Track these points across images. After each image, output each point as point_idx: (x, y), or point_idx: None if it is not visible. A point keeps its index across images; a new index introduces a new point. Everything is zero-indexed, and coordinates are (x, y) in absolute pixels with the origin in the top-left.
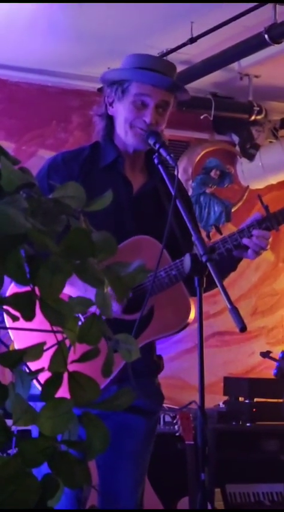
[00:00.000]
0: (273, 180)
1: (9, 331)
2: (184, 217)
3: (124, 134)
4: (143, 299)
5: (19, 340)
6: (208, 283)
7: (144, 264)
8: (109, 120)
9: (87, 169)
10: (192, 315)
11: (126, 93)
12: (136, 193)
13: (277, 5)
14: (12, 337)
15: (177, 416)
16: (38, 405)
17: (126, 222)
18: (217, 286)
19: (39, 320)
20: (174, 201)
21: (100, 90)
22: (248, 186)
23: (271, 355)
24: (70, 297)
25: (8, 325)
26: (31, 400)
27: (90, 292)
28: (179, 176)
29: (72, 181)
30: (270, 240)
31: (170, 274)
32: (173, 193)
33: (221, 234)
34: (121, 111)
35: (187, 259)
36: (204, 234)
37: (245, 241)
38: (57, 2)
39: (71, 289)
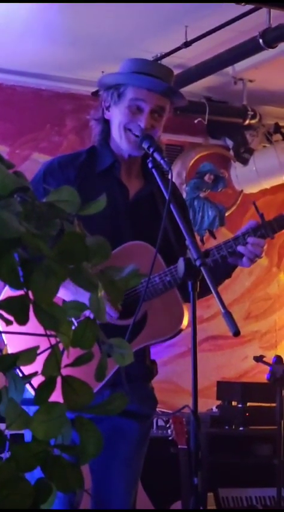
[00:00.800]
0: (267, 184)
1: (3, 335)
2: (178, 222)
3: (118, 138)
4: (137, 304)
5: (12, 345)
6: (203, 289)
7: (138, 269)
8: (106, 125)
9: (84, 174)
10: (185, 321)
11: (121, 98)
12: (132, 198)
13: (271, 10)
14: (5, 341)
15: (170, 421)
16: (31, 409)
17: (122, 227)
18: (210, 294)
19: (33, 324)
20: (167, 206)
21: (94, 94)
22: (242, 191)
23: (264, 359)
24: (64, 300)
25: (1, 329)
26: (24, 404)
27: (81, 295)
28: (173, 180)
29: (68, 185)
30: (265, 247)
31: (164, 280)
32: (167, 198)
33: (215, 238)
34: (116, 115)
35: (181, 264)
36: (197, 238)
37: (240, 248)
38: (53, 2)
39: (63, 291)
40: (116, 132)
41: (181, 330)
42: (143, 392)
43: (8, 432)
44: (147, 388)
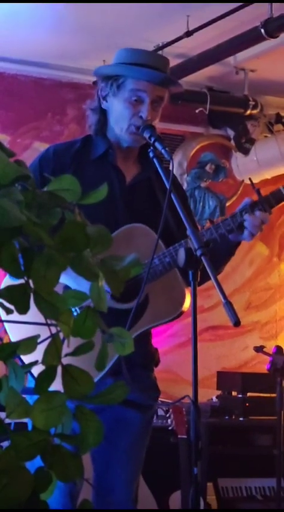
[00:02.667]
0: (268, 174)
1: (5, 324)
2: (179, 212)
3: (119, 130)
4: (137, 287)
5: (14, 334)
6: (204, 275)
7: (139, 258)
8: (103, 114)
9: (78, 161)
10: (187, 301)
11: (121, 89)
12: (129, 183)
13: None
14: (8, 331)
15: (170, 410)
16: (34, 398)
17: (119, 211)
18: (208, 281)
19: (35, 313)
20: (168, 195)
21: (96, 83)
22: (243, 181)
23: (264, 349)
24: (66, 287)
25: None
26: (26, 393)
27: (81, 281)
28: (174, 170)
29: (63, 172)
30: (267, 217)
31: (164, 261)
32: (168, 187)
33: None
34: (116, 107)
35: (181, 253)
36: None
37: (244, 220)
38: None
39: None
40: (117, 124)
41: (183, 312)
42: (146, 382)
43: (12, 421)
44: (150, 377)
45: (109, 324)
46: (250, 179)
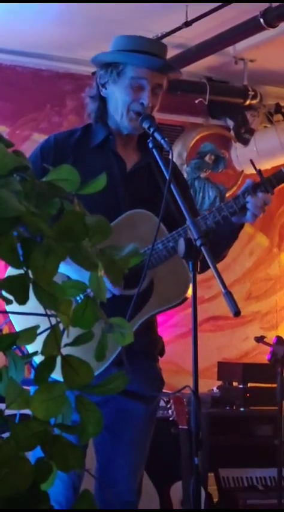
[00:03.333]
0: (268, 165)
1: (10, 316)
2: (179, 202)
3: (119, 117)
4: (141, 273)
5: (19, 325)
6: (200, 266)
7: (138, 248)
8: (102, 102)
9: (79, 149)
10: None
11: (121, 76)
12: (129, 170)
13: None
14: (13, 322)
15: (171, 401)
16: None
17: (120, 198)
18: (208, 269)
19: (38, 303)
20: (168, 185)
21: (94, 74)
22: (242, 171)
23: (265, 340)
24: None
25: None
26: (28, 384)
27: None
28: (173, 160)
29: (63, 161)
30: (270, 198)
31: (167, 246)
32: (167, 178)
33: None
34: (116, 94)
35: (181, 244)
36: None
37: (246, 201)
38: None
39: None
40: (116, 110)
41: (187, 298)
42: (150, 373)
43: (17, 413)
44: (154, 367)
45: (116, 310)
46: (251, 161)
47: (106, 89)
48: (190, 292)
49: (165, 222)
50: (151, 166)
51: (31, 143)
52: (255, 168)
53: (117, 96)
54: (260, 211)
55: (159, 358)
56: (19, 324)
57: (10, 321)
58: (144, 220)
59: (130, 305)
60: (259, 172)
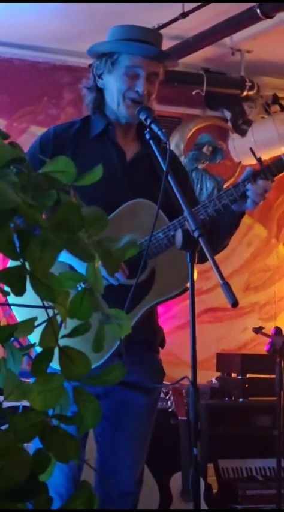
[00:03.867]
0: (265, 155)
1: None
2: (176, 193)
3: (116, 105)
4: (144, 262)
5: (21, 316)
6: (199, 256)
7: (135, 239)
8: (99, 92)
9: (79, 139)
10: (194, 275)
11: (116, 65)
12: (129, 160)
13: None
14: (15, 313)
15: (170, 392)
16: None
17: (120, 187)
18: (207, 260)
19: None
20: (165, 178)
21: (91, 65)
22: (240, 162)
23: (263, 330)
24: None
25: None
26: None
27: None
28: (173, 150)
29: (62, 153)
30: (270, 186)
31: (168, 234)
32: (164, 169)
33: None
34: (112, 83)
35: (178, 235)
36: None
37: (246, 189)
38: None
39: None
40: (113, 99)
41: (188, 288)
42: (150, 364)
43: (20, 404)
44: (155, 359)
45: (118, 300)
46: (251, 149)
47: (102, 79)
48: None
49: (166, 211)
50: (151, 156)
51: (28, 136)
52: (255, 156)
53: (113, 85)
54: (260, 199)
55: (160, 349)
56: (21, 315)
57: (9, 314)
58: (145, 209)
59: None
60: (259, 160)
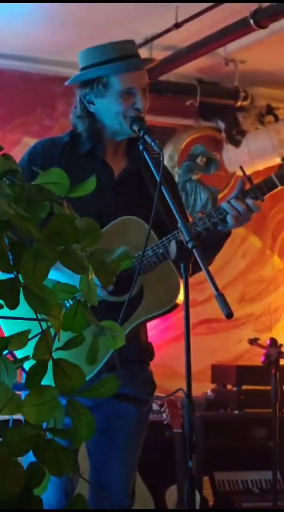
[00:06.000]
0: (260, 166)
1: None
2: (170, 205)
3: (119, 126)
4: (131, 279)
5: (8, 329)
6: (192, 268)
7: (129, 250)
8: (91, 118)
9: (67, 155)
10: (182, 294)
11: (108, 88)
12: (117, 177)
13: None
14: (2, 326)
15: (165, 404)
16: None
17: (109, 205)
18: (200, 271)
19: (28, 308)
20: (159, 188)
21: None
22: (234, 173)
23: (258, 342)
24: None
25: None
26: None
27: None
28: (164, 163)
29: (51, 167)
30: (259, 205)
31: (157, 252)
32: (158, 180)
33: None
34: (108, 106)
35: (173, 246)
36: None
37: (229, 207)
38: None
39: (56, 274)
40: (113, 121)
41: (177, 304)
42: (142, 376)
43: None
44: (146, 371)
45: (103, 317)
46: (241, 167)
47: (94, 104)
48: (180, 298)
49: (154, 227)
50: (141, 172)
51: (22, 147)
52: (245, 174)
53: (110, 108)
54: (241, 220)
55: (150, 362)
56: (9, 330)
57: None
58: (133, 226)
59: (119, 311)
60: (249, 179)
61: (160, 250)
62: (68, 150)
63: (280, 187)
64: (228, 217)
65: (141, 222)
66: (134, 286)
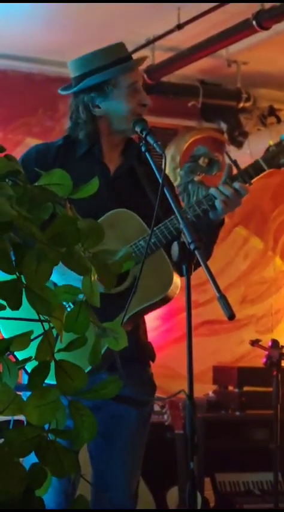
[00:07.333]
0: None
1: None
2: (173, 206)
3: (127, 125)
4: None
5: (7, 330)
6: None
7: (131, 252)
8: (95, 122)
9: (62, 159)
10: (177, 280)
11: (116, 88)
12: (113, 175)
13: None
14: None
15: (166, 406)
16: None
17: (106, 204)
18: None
19: (29, 309)
20: (161, 189)
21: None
22: (225, 152)
23: (260, 343)
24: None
25: None
26: (20, 390)
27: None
28: (166, 164)
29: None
30: (247, 189)
31: (149, 242)
32: (161, 181)
33: None
34: (118, 106)
35: (175, 248)
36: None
37: (214, 190)
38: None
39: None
40: (123, 121)
41: (171, 294)
42: (142, 377)
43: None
44: (146, 372)
45: (97, 309)
46: (226, 152)
47: (100, 107)
48: (175, 291)
49: (147, 220)
50: (134, 168)
51: (24, 148)
52: (230, 158)
53: (120, 108)
54: (230, 203)
55: (151, 363)
56: (7, 331)
57: None
58: (125, 218)
59: (113, 304)
60: (235, 163)
61: (152, 240)
62: (62, 152)
63: (267, 171)
64: (216, 202)
65: (131, 214)
66: (125, 278)
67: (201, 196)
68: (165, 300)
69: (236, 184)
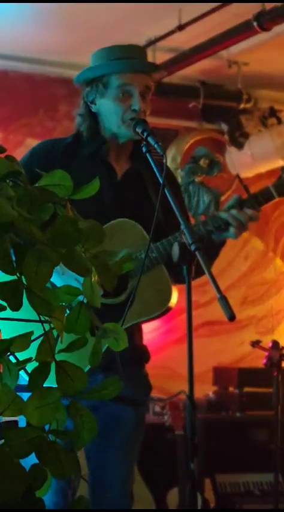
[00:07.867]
0: (262, 168)
1: None
2: (173, 207)
3: (116, 127)
4: (121, 282)
5: (6, 331)
6: (195, 271)
7: (131, 253)
8: (93, 118)
9: (68, 157)
10: (174, 298)
11: (107, 88)
12: (120, 179)
13: None
14: None
15: (167, 406)
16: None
17: (108, 207)
18: (204, 274)
19: (29, 310)
20: (162, 190)
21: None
22: (237, 175)
23: (260, 344)
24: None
25: None
26: (19, 390)
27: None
28: (167, 165)
29: (51, 169)
30: (256, 215)
31: (151, 256)
32: (161, 182)
33: None
34: (108, 106)
35: (175, 248)
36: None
37: (228, 216)
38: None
39: None
40: (111, 122)
41: (169, 308)
42: (137, 378)
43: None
44: (141, 372)
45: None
46: (238, 176)
47: (95, 104)
48: (172, 301)
49: (151, 225)
50: (142, 174)
51: (25, 148)
52: (242, 182)
53: (109, 109)
54: (243, 228)
55: (145, 364)
56: (6, 332)
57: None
58: (126, 229)
59: (110, 314)
60: (246, 187)
61: (154, 255)
62: (70, 151)
63: (276, 199)
64: (231, 228)
65: (134, 224)
66: (123, 290)
67: (211, 215)
68: (163, 314)
69: (249, 211)
